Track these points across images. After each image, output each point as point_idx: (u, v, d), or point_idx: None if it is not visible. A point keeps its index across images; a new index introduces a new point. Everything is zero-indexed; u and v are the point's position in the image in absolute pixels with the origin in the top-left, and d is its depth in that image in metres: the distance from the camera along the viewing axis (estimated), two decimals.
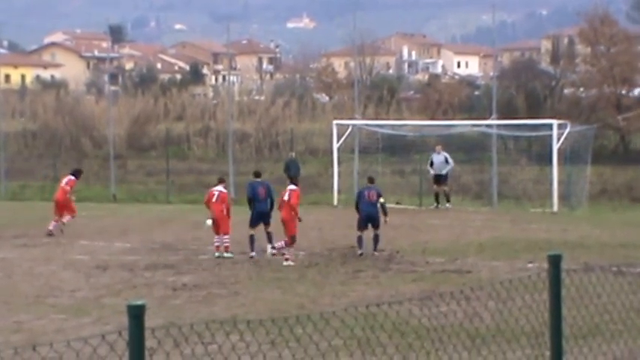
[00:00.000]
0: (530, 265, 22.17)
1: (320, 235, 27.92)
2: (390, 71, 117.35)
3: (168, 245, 26.89)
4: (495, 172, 38.62)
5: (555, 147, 35.86)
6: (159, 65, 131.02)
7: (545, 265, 7.00)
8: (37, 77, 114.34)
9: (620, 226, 30.60)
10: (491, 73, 63.64)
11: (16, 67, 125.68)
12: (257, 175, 25.99)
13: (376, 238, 24.44)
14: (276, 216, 24.84)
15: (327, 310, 12.46)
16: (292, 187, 24.26)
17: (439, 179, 36.59)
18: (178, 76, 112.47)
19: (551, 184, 35.99)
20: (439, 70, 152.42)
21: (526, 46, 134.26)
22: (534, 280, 9.19)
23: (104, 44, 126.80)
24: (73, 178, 30.83)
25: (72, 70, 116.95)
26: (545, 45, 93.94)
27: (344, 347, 11.78)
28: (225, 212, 24.77)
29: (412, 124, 49.20)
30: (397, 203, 35.32)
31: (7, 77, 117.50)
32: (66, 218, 29.68)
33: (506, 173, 42.09)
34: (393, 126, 45.21)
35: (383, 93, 67.43)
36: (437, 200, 36.83)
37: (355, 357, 11.74)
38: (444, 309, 14.00)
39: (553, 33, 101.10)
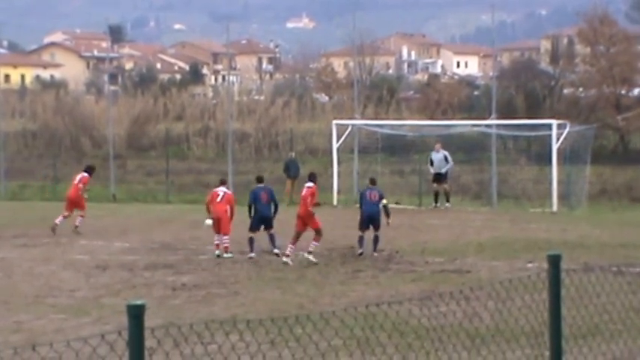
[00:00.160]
0: (529, 265, 22.17)
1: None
2: (390, 71, 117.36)
3: (168, 245, 26.88)
4: (495, 172, 38.63)
5: (555, 147, 35.88)
6: (158, 65, 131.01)
7: (545, 265, 7.01)
8: (37, 77, 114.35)
9: (620, 226, 30.61)
10: (491, 73, 63.65)
11: (15, 67, 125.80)
12: (259, 180, 25.96)
13: (376, 240, 24.45)
14: (281, 219, 24.87)
15: (327, 310, 12.46)
16: (309, 184, 24.46)
17: (439, 178, 36.60)
18: (178, 76, 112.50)
19: (550, 184, 36.01)
20: (439, 70, 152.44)
21: (525, 46, 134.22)
22: (534, 280, 9.20)
23: (104, 44, 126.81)
24: (86, 175, 30.75)
25: (71, 70, 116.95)
26: (545, 45, 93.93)
27: (343, 347, 11.79)
28: (228, 213, 24.77)
29: (412, 124, 49.22)
30: (396, 203, 35.31)
31: (7, 77, 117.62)
32: (77, 220, 29.55)
33: (506, 173, 42.10)
34: (392, 126, 45.22)
35: (382, 93, 67.41)
36: (436, 200, 36.84)
37: (355, 357, 11.74)
38: (444, 309, 14.00)
39: (552, 33, 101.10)
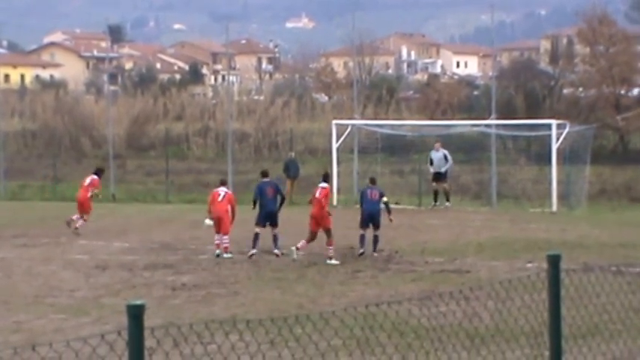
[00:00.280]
0: (529, 265, 22.18)
1: (319, 235, 27.88)
2: (389, 71, 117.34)
3: (168, 245, 26.89)
4: (494, 172, 38.64)
5: (554, 147, 35.88)
6: (158, 65, 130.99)
7: (545, 265, 7.01)
8: (37, 77, 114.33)
9: (619, 226, 30.62)
10: (490, 73, 63.65)
11: (15, 66, 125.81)
12: (264, 174, 26.08)
13: (376, 240, 24.47)
14: (281, 218, 24.89)
15: (327, 310, 12.47)
16: (323, 184, 24.65)
17: (438, 177, 36.62)
18: (177, 76, 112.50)
19: (550, 183, 36.01)
20: (438, 70, 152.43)
21: (525, 46, 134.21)
22: (533, 280, 9.20)
23: (103, 44, 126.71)
24: (96, 177, 30.74)
25: (71, 70, 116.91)
26: (544, 45, 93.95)
27: (343, 347, 11.79)
28: (229, 212, 24.78)
29: (411, 124, 49.22)
30: (396, 203, 35.31)
31: (7, 77, 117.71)
32: (79, 223, 29.52)
33: (506, 173, 42.10)
34: (392, 126, 45.22)
35: (382, 93, 67.39)
36: (435, 199, 36.86)
37: (354, 357, 11.74)
38: (443, 309, 14.00)
39: (552, 33, 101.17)
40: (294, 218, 27.91)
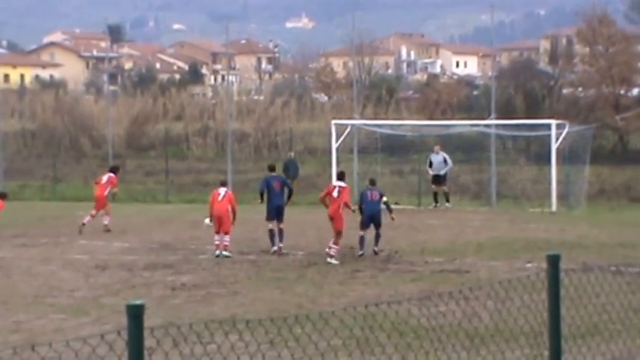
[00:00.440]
0: (528, 265, 22.18)
1: (318, 235, 27.89)
2: (389, 71, 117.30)
3: (167, 245, 26.90)
4: (494, 172, 38.64)
5: (554, 147, 35.89)
6: (158, 65, 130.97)
7: (544, 265, 7.01)
8: (36, 77, 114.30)
9: (619, 226, 30.62)
10: (490, 73, 63.66)
11: (15, 66, 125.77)
12: (271, 169, 26.36)
13: (378, 237, 24.59)
14: (286, 216, 24.89)
15: (326, 310, 12.47)
16: (342, 184, 24.80)
17: (438, 179, 36.60)
18: (177, 76, 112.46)
19: (549, 183, 36.01)
20: (438, 69, 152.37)
21: (524, 46, 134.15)
22: (533, 279, 9.20)
23: (103, 44, 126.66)
24: (112, 175, 30.97)
25: (71, 70, 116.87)
26: (544, 45, 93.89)
27: (343, 347, 11.80)
28: (230, 212, 24.80)
29: (411, 123, 49.21)
30: (396, 203, 35.30)
31: (6, 77, 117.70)
32: (86, 219, 29.67)
33: (505, 173, 42.10)
34: (391, 126, 45.21)
35: (382, 93, 67.40)
36: (435, 200, 36.86)
37: (354, 357, 11.74)
38: (443, 309, 14.00)
39: (551, 33, 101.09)
40: (294, 218, 27.89)
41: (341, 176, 25.59)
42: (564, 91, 61.27)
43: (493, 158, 38.83)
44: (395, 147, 44.55)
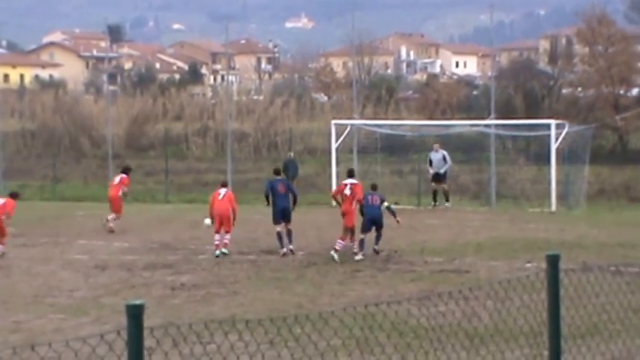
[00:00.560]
0: (528, 265, 22.18)
1: (318, 235, 27.94)
2: (389, 71, 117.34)
3: (167, 245, 26.89)
4: (494, 172, 38.64)
5: (553, 147, 35.88)
6: (157, 65, 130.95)
7: (544, 265, 7.01)
8: (36, 77, 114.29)
9: (618, 226, 30.62)
10: (490, 73, 63.62)
11: (14, 66, 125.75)
12: (277, 172, 26.54)
13: (378, 236, 24.66)
14: (301, 213, 24.92)
15: (326, 310, 12.48)
16: (353, 180, 25.06)
17: (438, 177, 36.60)
18: (177, 76, 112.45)
19: (549, 183, 36.01)
20: (437, 69, 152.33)
21: (524, 46, 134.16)
22: (532, 279, 9.20)
23: (103, 44, 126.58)
24: (125, 175, 31.05)
25: (70, 70, 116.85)
26: (543, 45, 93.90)
27: (342, 347, 11.80)
28: (230, 211, 24.82)
29: (410, 123, 49.22)
30: (396, 203, 35.28)
31: (6, 77, 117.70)
32: (111, 216, 29.82)
33: (505, 173, 42.10)
34: (391, 126, 45.21)
35: (381, 93, 67.42)
36: (434, 199, 36.85)
37: (354, 357, 11.75)
38: (443, 309, 14.00)
39: (551, 33, 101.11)
40: (293, 218, 27.75)
41: (351, 173, 25.86)
42: (564, 91, 61.28)
43: (493, 158, 38.83)
44: (394, 147, 44.56)
